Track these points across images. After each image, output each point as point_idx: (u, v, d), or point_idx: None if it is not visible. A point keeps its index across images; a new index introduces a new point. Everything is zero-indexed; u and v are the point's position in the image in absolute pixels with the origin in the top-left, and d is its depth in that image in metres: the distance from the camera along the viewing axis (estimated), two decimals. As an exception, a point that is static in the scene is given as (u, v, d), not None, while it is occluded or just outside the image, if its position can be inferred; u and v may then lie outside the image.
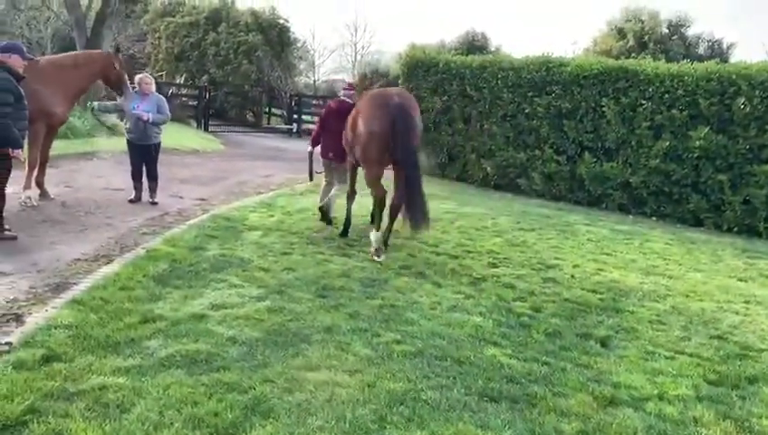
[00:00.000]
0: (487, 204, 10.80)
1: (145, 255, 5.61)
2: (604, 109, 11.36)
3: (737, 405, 3.66)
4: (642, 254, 7.72)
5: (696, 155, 10.36)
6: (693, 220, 10.64)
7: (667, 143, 10.62)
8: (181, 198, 8.93)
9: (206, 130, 21.51)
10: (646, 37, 18.55)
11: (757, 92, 9.81)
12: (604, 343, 4.49)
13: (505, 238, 7.79)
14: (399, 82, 15.35)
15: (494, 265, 6.39)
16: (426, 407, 3.28)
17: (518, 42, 53.38)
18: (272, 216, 7.77)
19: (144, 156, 8.27)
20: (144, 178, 8.34)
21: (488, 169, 13.11)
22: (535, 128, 12.36)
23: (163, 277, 5.02)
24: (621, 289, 5.92)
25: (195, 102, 23.14)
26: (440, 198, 10.92)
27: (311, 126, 25.94)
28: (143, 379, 3.29)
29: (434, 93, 14.03)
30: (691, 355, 4.37)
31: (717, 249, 8.45)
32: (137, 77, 8.59)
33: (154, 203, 8.20)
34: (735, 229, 10.17)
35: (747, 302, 5.89)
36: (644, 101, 10.91)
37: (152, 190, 8.33)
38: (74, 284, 4.77)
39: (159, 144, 8.46)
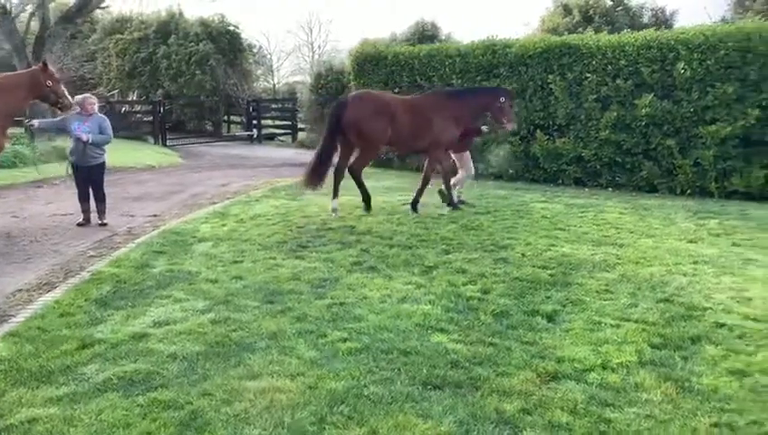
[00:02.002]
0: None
1: (89, 278, 5.49)
2: (551, 86, 11.46)
3: (679, 366, 3.70)
4: (596, 225, 7.79)
5: (643, 123, 10.51)
6: (647, 187, 10.81)
7: (615, 114, 10.75)
8: (132, 216, 8.77)
9: (163, 144, 21.20)
10: (591, 11, 18.74)
11: (696, 56, 9.98)
12: (551, 317, 4.52)
13: (460, 224, 7.80)
14: (350, 78, 15.33)
15: (447, 252, 6.39)
16: (367, 403, 3.26)
17: (469, 28, 53.56)
18: (224, 225, 7.67)
19: (89, 178, 8.10)
20: (92, 200, 8.18)
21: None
22: (487, 111, 12.39)
23: (106, 300, 4.91)
24: (572, 263, 5.96)
25: (150, 118, 22.79)
26: (398, 189, 10.93)
27: (273, 131, 25.86)
28: (76, 407, 3.21)
29: (385, 86, 13.99)
30: (637, 321, 4.41)
31: (670, 213, 8.58)
32: (77, 97, 8.39)
33: (103, 224, 8.04)
34: (688, 192, 10.36)
35: (695, 263, 5.98)
36: (589, 75, 11.03)
37: (101, 212, 8.16)
38: (12, 316, 4.65)
39: (103, 165, 8.28)
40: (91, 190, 8.14)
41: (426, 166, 8.82)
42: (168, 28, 26.09)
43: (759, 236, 7.09)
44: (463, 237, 7.04)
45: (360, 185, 8.66)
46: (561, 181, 11.74)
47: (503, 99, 8.43)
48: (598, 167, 11.24)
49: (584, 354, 3.85)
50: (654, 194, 10.59)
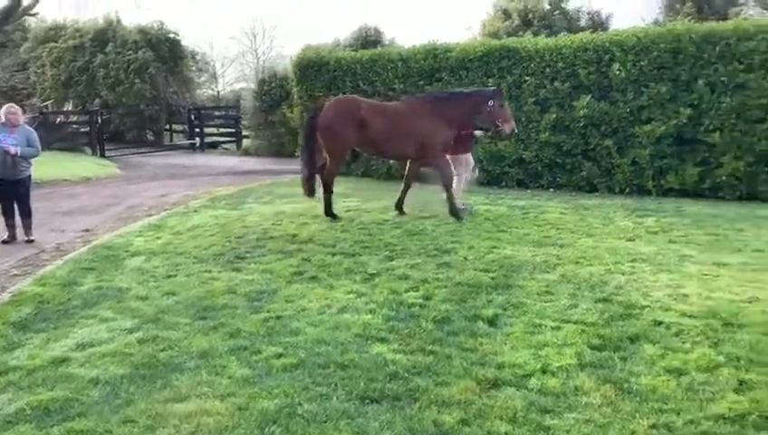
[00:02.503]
0: (391, 196, 10.71)
1: (9, 300, 5.15)
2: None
3: (618, 367, 3.69)
4: (537, 226, 7.83)
5: (582, 124, 10.68)
6: (588, 187, 10.98)
7: (554, 116, 10.89)
8: (62, 231, 8.36)
9: (101, 155, 20.47)
10: (530, 15, 19.07)
11: (630, 57, 10.20)
12: (492, 322, 4.46)
13: (405, 229, 7.72)
14: (293, 83, 15.12)
15: (391, 258, 6.29)
16: (301, 422, 3.11)
17: (412, 33, 54.05)
18: (159, 238, 7.38)
19: (14, 192, 7.67)
20: (17, 216, 7.75)
21: (391, 161, 13.06)
22: (430, 115, 12.39)
23: (26, 322, 4.61)
24: (513, 265, 5.94)
25: (87, 128, 21.98)
26: (343, 196, 10.77)
27: (217, 139, 25.33)
28: (-19, 443, 2.96)
29: (329, 92, 13.84)
30: (576, 322, 4.40)
31: (609, 212, 8.71)
32: (2, 109, 7.95)
33: (30, 241, 7.63)
34: (627, 190, 10.57)
35: (634, 261, 6.05)
36: (528, 77, 11.15)
37: (27, 228, 7.74)
38: None
39: (30, 178, 7.87)
40: (16, 205, 7.72)
41: (408, 169, 8.63)
42: (106, 36, 25.29)
43: (694, 233, 7.25)
44: (407, 243, 6.95)
45: (327, 193, 8.46)
46: (504, 183, 11.82)
47: (491, 102, 8.04)
48: (539, 168, 11.37)
49: (525, 359, 3.80)
50: (594, 193, 10.76)
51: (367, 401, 3.34)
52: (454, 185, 8.60)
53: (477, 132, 8.76)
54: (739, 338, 4.05)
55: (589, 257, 6.20)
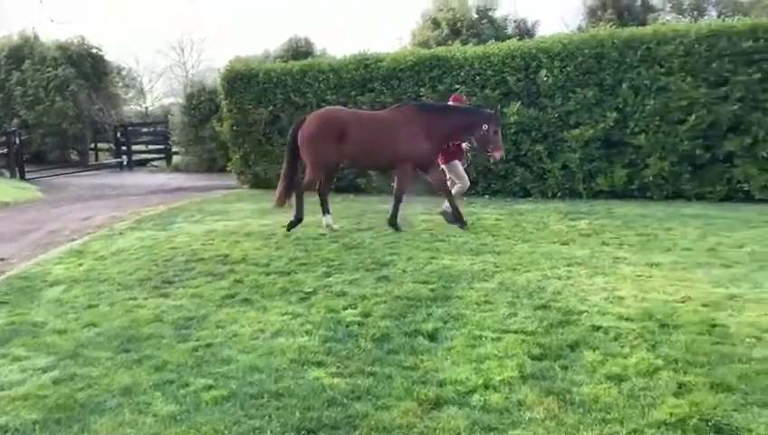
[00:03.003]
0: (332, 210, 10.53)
1: None
2: (423, 98, 11.54)
3: (560, 377, 3.63)
4: (474, 234, 7.82)
5: (513, 130, 10.80)
6: (521, 192, 11.13)
7: (487, 122, 10.97)
8: (-27, 262, 7.77)
9: (21, 178, 19.40)
10: (458, 24, 19.31)
11: (556, 63, 10.42)
12: (432, 336, 4.34)
13: (343, 243, 7.55)
14: (221, 97, 14.74)
15: (328, 275, 6.10)
16: (232, 460, 2.89)
17: (344, 43, 54.15)
18: (81, 265, 6.94)
19: None
20: None
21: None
22: (363, 126, 12.30)
23: (-75, 368, 4.18)
24: (452, 275, 5.87)
25: (5, 150, 20.81)
26: (278, 212, 10.51)
27: (145, 156, 24.46)
28: None
29: (259, 104, 13.57)
30: (516, 332, 4.34)
31: (543, 217, 8.82)
32: None
33: (-64, 275, 7.04)
34: (559, 194, 10.77)
35: (569, 265, 6.09)
36: (458, 86, 11.22)
37: (-68, 261, 7.16)
38: None
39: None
40: None
41: (396, 182, 8.24)
42: (22, 53, 24.12)
43: (625, 234, 7.40)
44: (344, 257, 6.79)
45: (299, 203, 8.30)
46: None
47: (485, 126, 7.73)
48: (474, 175, 11.40)
49: (466, 374, 3.69)
50: (527, 198, 10.92)
51: (303, 431, 3.15)
52: (454, 191, 8.40)
53: (465, 145, 8.51)
54: (675, 339, 4.08)
55: (525, 263, 6.20)
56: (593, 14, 19.03)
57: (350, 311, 4.95)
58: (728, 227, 7.54)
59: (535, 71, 10.59)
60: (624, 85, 10.00)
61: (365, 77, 12.19)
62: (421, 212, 9.71)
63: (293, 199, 8.33)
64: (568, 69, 10.31)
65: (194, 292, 5.68)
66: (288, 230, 8.23)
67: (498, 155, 7.94)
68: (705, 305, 4.72)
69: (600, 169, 10.41)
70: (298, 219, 8.31)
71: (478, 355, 3.97)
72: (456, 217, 8.14)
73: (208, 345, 4.35)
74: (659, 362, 3.74)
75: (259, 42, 56.72)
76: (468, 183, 8.72)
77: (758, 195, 9.38)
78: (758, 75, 9.12)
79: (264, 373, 3.84)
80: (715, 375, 3.54)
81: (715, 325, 4.32)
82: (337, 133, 7.96)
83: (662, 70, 9.74)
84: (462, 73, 11.21)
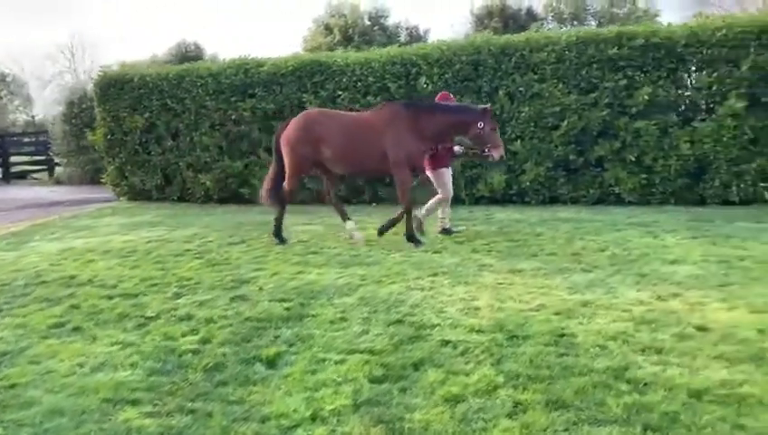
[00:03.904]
0: (204, 222, 9.99)
1: None
2: (306, 104, 11.21)
3: (395, 402, 3.38)
4: (350, 245, 7.56)
5: (396, 137, 10.65)
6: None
7: (370, 129, 10.79)
8: None
9: None
10: (350, 30, 19.16)
11: (435, 70, 10.38)
12: (272, 362, 4.00)
13: (206, 259, 7.08)
14: (95, 103, 13.78)
15: (179, 296, 5.62)
16: None
17: (238, 49, 52.98)
18: None
19: None
20: None
21: (207, 183, 12.27)
22: (246, 133, 11.83)
23: None
24: (314, 290, 5.56)
25: None
26: (149, 225, 9.86)
27: (25, 168, 22.61)
28: None
29: (134, 111, 12.75)
30: (363, 352, 4.07)
31: (423, 224, 8.67)
32: None
33: None
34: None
35: (435, 274, 5.93)
36: (341, 92, 10.97)
37: None
38: None
39: None
40: None
41: (398, 192, 7.55)
42: None
43: (496, 240, 7.36)
44: (203, 276, 6.32)
45: (280, 211, 7.90)
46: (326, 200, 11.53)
47: (481, 124, 7.13)
48: (359, 183, 11.23)
49: (296, 406, 3.37)
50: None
51: (91, 489, 2.71)
52: (431, 202, 7.96)
53: (457, 148, 7.95)
54: (521, 352, 3.95)
55: (392, 275, 5.99)
56: (480, 23, 19.46)
57: (189, 338, 4.52)
58: (595, 231, 7.68)
59: (415, 77, 10.52)
60: (501, 92, 10.10)
61: (245, 82, 11.71)
62: (303, 223, 9.36)
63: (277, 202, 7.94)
64: (446, 76, 10.30)
65: (20, 321, 5.05)
66: (276, 238, 7.85)
67: (497, 154, 7.27)
68: (557, 314, 4.65)
69: (479, 175, 10.46)
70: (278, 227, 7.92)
71: (315, 382, 3.67)
72: (410, 236, 7.44)
73: (13, 386, 3.79)
74: (500, 378, 3.58)
75: (150, 45, 54.49)
76: (451, 193, 8.08)
77: (628, 197, 9.70)
78: (624, 81, 9.43)
79: (66, 417, 3.36)
80: (553, 391, 3.41)
81: (563, 335, 4.24)
82: (315, 136, 7.47)
83: (536, 77, 9.91)
84: (344, 79, 10.97)
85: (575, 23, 17.85)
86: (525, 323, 4.47)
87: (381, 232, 7.78)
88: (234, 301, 5.39)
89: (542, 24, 18.70)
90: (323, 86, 11.15)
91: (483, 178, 10.40)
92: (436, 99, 8.16)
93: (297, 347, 4.24)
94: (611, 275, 5.69)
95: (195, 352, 4.23)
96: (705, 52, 9.13)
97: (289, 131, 7.77)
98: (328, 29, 19.94)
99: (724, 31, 8.96)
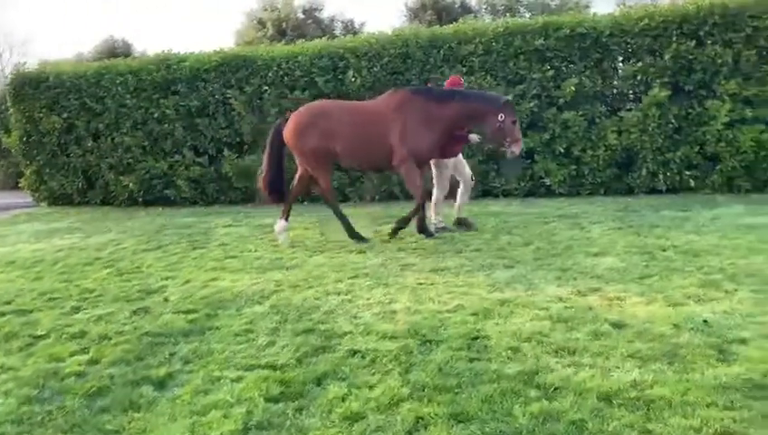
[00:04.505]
0: (123, 227, 9.47)
1: None
2: (232, 101, 10.80)
3: (289, 424, 3.10)
4: (273, 247, 7.24)
5: (325, 133, 10.36)
6: (340, 196, 10.66)
7: (298, 126, 10.46)
8: None
9: None
10: (284, 24, 18.69)
11: (363, 63, 10.12)
12: (162, 383, 3.66)
13: (117, 268, 6.64)
14: (9, 104, 12.98)
15: (77, 310, 5.19)
16: None
17: (169, 45, 51.48)
18: None
19: None
20: None
21: (131, 185, 11.70)
22: (169, 132, 11.33)
23: None
24: (224, 299, 5.22)
25: None
26: (65, 231, 9.30)
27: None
28: None
29: (51, 112, 12.05)
30: (264, 367, 3.77)
31: (352, 223, 8.41)
32: None
33: None
34: (377, 197, 10.51)
35: (356, 277, 5.67)
36: (266, 87, 10.60)
37: None
38: None
39: None
40: None
41: (408, 185, 7.13)
42: None
43: (422, 237, 7.16)
44: (108, 286, 5.89)
45: (337, 214, 7.35)
46: (258, 200, 11.16)
47: (501, 116, 6.55)
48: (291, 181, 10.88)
49: (178, 433, 3.06)
50: (346, 203, 10.52)
51: None
52: (435, 195, 7.45)
53: (474, 136, 7.38)
54: (431, 359, 3.73)
55: (312, 278, 5.70)
56: (415, 16, 19.29)
57: (77, 358, 4.12)
58: (522, 224, 7.58)
59: (343, 71, 10.24)
60: (430, 85, 9.90)
61: (167, 78, 11.20)
62: (226, 224, 8.98)
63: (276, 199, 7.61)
64: (375, 69, 10.06)
65: None
66: (354, 238, 7.25)
67: (517, 148, 6.71)
68: (474, 314, 4.46)
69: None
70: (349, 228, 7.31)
71: (205, 405, 3.35)
72: (396, 228, 7.12)
73: None
74: (405, 390, 3.35)
75: (81, 42, 52.42)
76: (471, 181, 7.54)
77: (558, 189, 9.68)
78: (551, 72, 9.38)
79: None
80: (459, 402, 3.20)
81: (477, 337, 4.04)
82: (321, 127, 6.92)
83: (464, 69, 9.76)
84: (270, 74, 10.60)
85: (508, 14, 17.87)
86: (440, 327, 4.26)
87: (395, 232, 7.23)
88: (135, 314, 5.00)
89: (475, 17, 18.66)
90: (249, 81, 10.75)
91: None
92: (446, 83, 7.63)
93: (192, 365, 3.91)
94: (534, 270, 5.55)
95: (79, 374, 3.84)
96: (629, 41, 9.16)
97: (290, 127, 7.13)
98: (261, 23, 19.42)
99: (646, 20, 9.01)
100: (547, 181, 9.78)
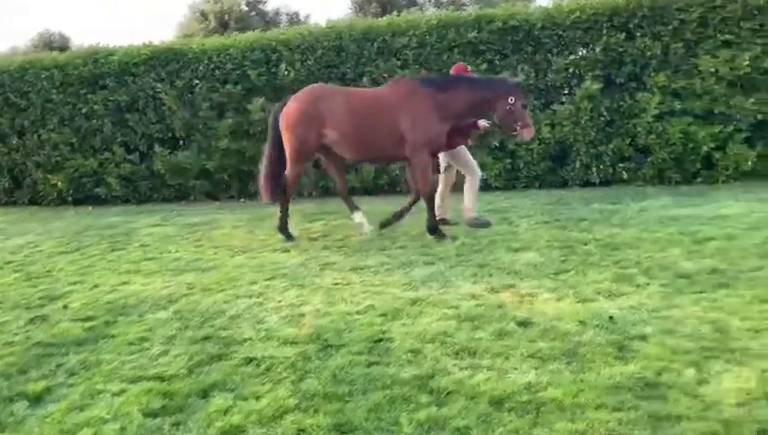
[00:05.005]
0: (47, 228, 9.04)
1: None
2: (162, 95, 10.43)
3: (162, 440, 2.92)
4: (196, 247, 6.98)
5: (260, 128, 10.09)
6: (276, 193, 10.48)
7: (231, 121, 10.19)
8: None
9: None
10: (226, 17, 18.27)
11: (297, 56, 9.89)
12: (39, 398, 3.42)
13: (26, 272, 6.30)
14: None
15: (-30, 320, 4.88)
16: None
17: (108, 38, 50.12)
18: None
19: None
20: None
21: (59, 184, 11.21)
22: (98, 128, 10.88)
23: None
24: (129, 305, 4.97)
25: None
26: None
27: None
28: None
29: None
30: (151, 379, 3.56)
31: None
32: None
33: None
34: (314, 194, 10.30)
35: (272, 278, 5.48)
36: (198, 81, 10.28)
37: None
38: None
39: None
40: None
41: (418, 181, 6.63)
42: None
43: (351, 234, 7.00)
44: (10, 293, 5.58)
45: (283, 205, 6.98)
46: (193, 198, 10.85)
47: (512, 99, 6.25)
48: (226, 178, 10.60)
49: (39, 456, 2.84)
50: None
51: None
52: (468, 194, 6.98)
53: (483, 122, 6.87)
54: (328, 365, 3.58)
55: (226, 281, 5.48)
56: (360, 8, 19.08)
57: (-47, 374, 3.84)
58: (452, 219, 7.47)
59: (276, 64, 9.99)
60: (364, 79, 9.74)
61: (95, 73, 10.75)
62: (152, 224, 8.66)
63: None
64: (308, 62, 9.83)
65: None
66: (283, 234, 6.99)
67: (528, 134, 6.40)
68: (383, 315, 4.33)
69: (351, 165, 10.08)
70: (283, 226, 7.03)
71: (78, 422, 3.13)
72: (432, 225, 6.60)
73: None
74: (292, 401, 3.19)
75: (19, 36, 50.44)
76: (479, 173, 7.12)
77: (494, 183, 9.60)
78: (485, 66, 9.31)
79: None
80: (347, 411, 3.06)
81: (381, 340, 3.91)
82: (319, 115, 6.56)
83: (398, 62, 9.63)
84: (201, 67, 10.27)
85: (452, 7, 17.80)
86: (346, 329, 4.11)
87: (384, 225, 6.95)
88: (31, 323, 4.72)
89: (420, 9, 18.54)
90: (179, 75, 10.40)
91: (354, 169, 10.04)
92: (451, 71, 7.30)
93: (78, 376, 3.68)
94: (453, 266, 5.45)
95: (-48, 392, 3.57)
96: (561, 34, 9.15)
97: (289, 110, 6.75)
98: (204, 15, 18.94)
99: (578, 13, 9.01)
100: (483, 175, 9.70)
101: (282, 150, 6.89)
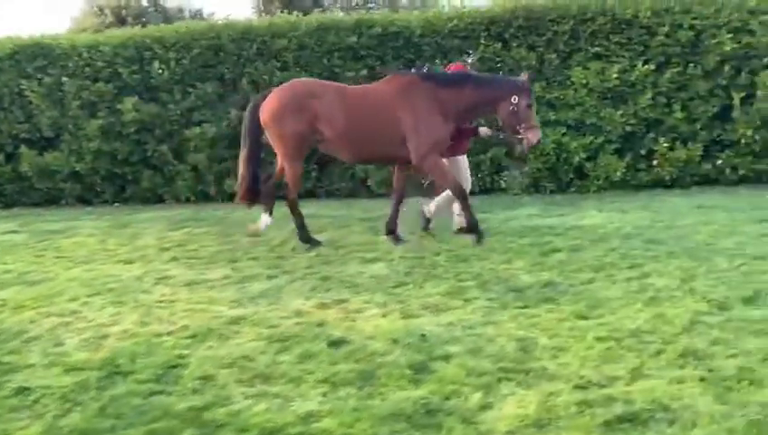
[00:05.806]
0: None
1: None
2: (28, 93, 9.76)
3: None
4: (36, 257, 6.52)
5: (133, 129, 9.62)
6: (153, 197, 10.02)
7: (102, 121, 9.64)
8: None
9: None
10: (124, 12, 17.47)
11: (171, 55, 9.46)
12: None
13: None
14: None
15: None
16: None
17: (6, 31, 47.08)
18: None
19: None
20: None
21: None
22: (-46, 126, 10.08)
23: None
24: None
25: None
26: None
27: None
28: None
29: None
30: None
31: (146, 227, 7.82)
32: None
33: None
34: (192, 198, 9.89)
35: (98, 293, 5.09)
36: (66, 78, 9.67)
37: None
38: None
39: None
40: None
41: (396, 176, 6.42)
42: None
43: (206, 244, 6.67)
44: None
45: (294, 212, 6.38)
46: (65, 202, 10.20)
47: (515, 99, 5.82)
48: (98, 181, 10.02)
49: None
50: (159, 204, 9.84)
51: None
52: (442, 197, 6.59)
53: (484, 130, 6.62)
54: (103, 396, 3.26)
55: (45, 297, 5.05)
56: (265, 7, 18.66)
57: None
58: (319, 229, 7.23)
59: (149, 62, 9.52)
60: (244, 80, 9.42)
61: (-45, 68, 9.94)
62: (6, 231, 8.03)
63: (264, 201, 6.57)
64: (184, 61, 9.42)
65: None
66: (305, 242, 6.38)
67: (534, 137, 5.94)
68: (192, 337, 4.04)
69: (230, 169, 9.72)
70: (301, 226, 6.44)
71: None
72: (473, 228, 6.19)
73: None
74: (39, 439, 2.87)
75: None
76: (469, 186, 6.64)
77: (377, 190, 9.50)
78: (365, 71, 9.16)
79: None
80: (95, 451, 2.76)
81: (176, 366, 3.63)
82: (313, 111, 5.98)
83: (278, 64, 9.36)
84: (70, 64, 9.68)
85: (362, 10, 17.60)
86: (144, 354, 3.80)
87: (392, 230, 6.46)
88: None
89: (324, 11, 18.27)
90: (47, 71, 9.76)
91: (233, 173, 9.66)
92: (449, 69, 6.99)
93: None
94: (294, 280, 5.23)
95: None
96: (440, 42, 9.12)
97: (273, 106, 6.10)
98: (100, 9, 18.04)
99: (455, 21, 9.00)
100: (368, 182, 9.59)
101: (259, 148, 6.41)
